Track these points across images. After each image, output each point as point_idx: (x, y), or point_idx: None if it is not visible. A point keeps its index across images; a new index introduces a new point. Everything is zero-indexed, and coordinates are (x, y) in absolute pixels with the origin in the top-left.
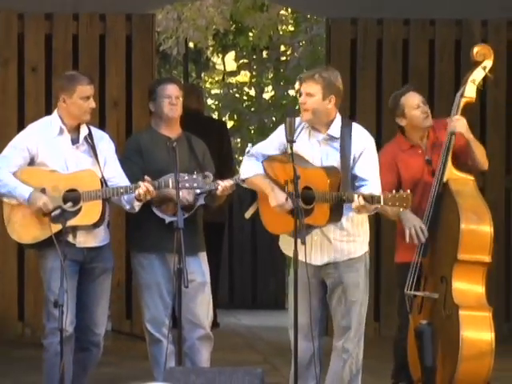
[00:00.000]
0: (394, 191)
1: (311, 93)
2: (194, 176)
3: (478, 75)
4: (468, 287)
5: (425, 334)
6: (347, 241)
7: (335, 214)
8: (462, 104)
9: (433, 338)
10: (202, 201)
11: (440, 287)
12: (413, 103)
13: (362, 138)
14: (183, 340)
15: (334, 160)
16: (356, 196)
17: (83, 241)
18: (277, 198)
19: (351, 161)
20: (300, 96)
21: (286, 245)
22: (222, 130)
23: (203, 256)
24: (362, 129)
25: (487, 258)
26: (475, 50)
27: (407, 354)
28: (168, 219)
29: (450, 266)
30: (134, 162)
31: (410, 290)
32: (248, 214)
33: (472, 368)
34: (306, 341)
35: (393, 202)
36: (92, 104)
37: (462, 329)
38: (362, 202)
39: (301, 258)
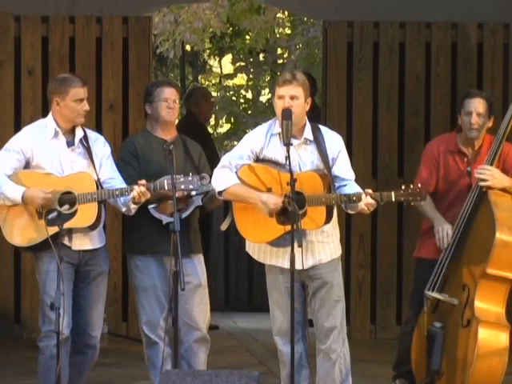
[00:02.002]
0: (403, 186)
1: (296, 95)
2: (190, 177)
3: None
4: (490, 302)
5: (437, 338)
6: (328, 242)
7: (329, 217)
8: None
9: (443, 342)
10: (198, 202)
11: (461, 294)
12: (468, 109)
13: (335, 140)
14: (180, 342)
15: (310, 163)
16: (364, 195)
17: (79, 243)
18: (269, 200)
19: (330, 162)
20: (280, 99)
21: (260, 251)
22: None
23: (199, 258)
24: (330, 130)
25: None
26: None
27: (410, 350)
28: (165, 220)
29: (477, 277)
30: (130, 164)
31: (432, 290)
32: (224, 226)
33: (483, 381)
34: (290, 345)
35: (405, 197)
36: (86, 107)
37: (478, 343)
38: (370, 200)
39: (280, 264)
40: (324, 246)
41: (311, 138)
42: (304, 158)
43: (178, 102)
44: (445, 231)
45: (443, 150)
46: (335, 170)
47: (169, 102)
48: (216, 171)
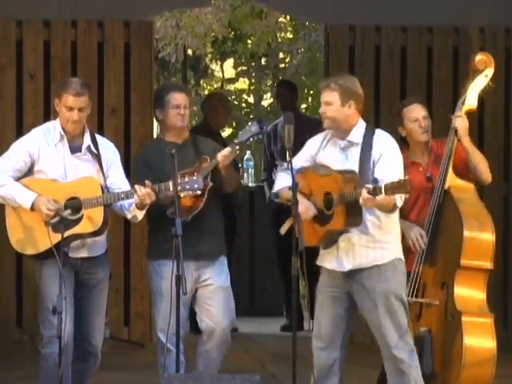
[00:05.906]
0: (391, 179)
1: (329, 101)
2: (195, 177)
3: (479, 83)
4: (470, 293)
5: (425, 341)
6: (373, 247)
7: (352, 217)
8: (463, 112)
9: (432, 344)
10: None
11: (441, 294)
12: (412, 116)
13: (381, 143)
14: (201, 344)
15: (353, 166)
16: (364, 190)
17: (75, 251)
18: (301, 205)
19: (370, 165)
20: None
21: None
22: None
23: (223, 259)
24: (385, 134)
25: (489, 265)
26: (477, 58)
27: None
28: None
29: (453, 272)
30: (142, 173)
31: (411, 297)
32: (283, 230)
33: (475, 375)
34: (327, 350)
35: (392, 190)
36: (74, 116)
37: (464, 335)
38: (366, 195)
39: (327, 265)
40: (368, 250)
41: (357, 140)
42: (348, 160)
43: (188, 106)
44: (418, 234)
45: None
46: (375, 173)
47: (180, 109)
48: (277, 173)
